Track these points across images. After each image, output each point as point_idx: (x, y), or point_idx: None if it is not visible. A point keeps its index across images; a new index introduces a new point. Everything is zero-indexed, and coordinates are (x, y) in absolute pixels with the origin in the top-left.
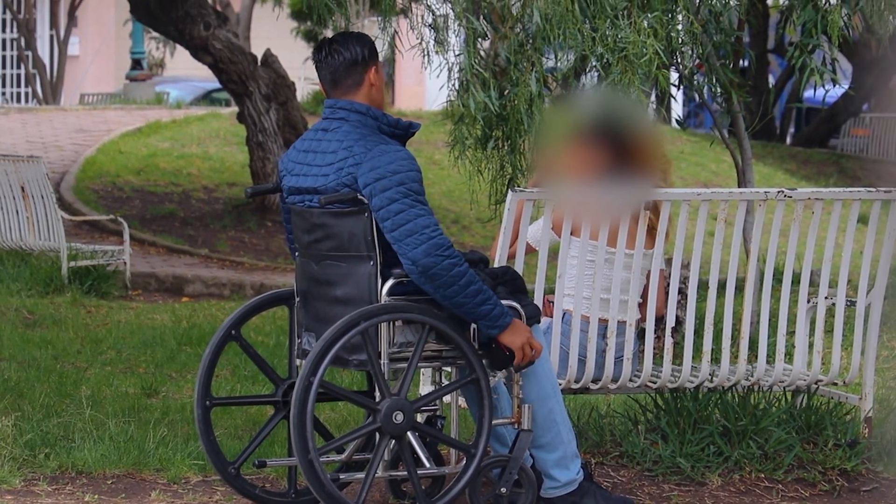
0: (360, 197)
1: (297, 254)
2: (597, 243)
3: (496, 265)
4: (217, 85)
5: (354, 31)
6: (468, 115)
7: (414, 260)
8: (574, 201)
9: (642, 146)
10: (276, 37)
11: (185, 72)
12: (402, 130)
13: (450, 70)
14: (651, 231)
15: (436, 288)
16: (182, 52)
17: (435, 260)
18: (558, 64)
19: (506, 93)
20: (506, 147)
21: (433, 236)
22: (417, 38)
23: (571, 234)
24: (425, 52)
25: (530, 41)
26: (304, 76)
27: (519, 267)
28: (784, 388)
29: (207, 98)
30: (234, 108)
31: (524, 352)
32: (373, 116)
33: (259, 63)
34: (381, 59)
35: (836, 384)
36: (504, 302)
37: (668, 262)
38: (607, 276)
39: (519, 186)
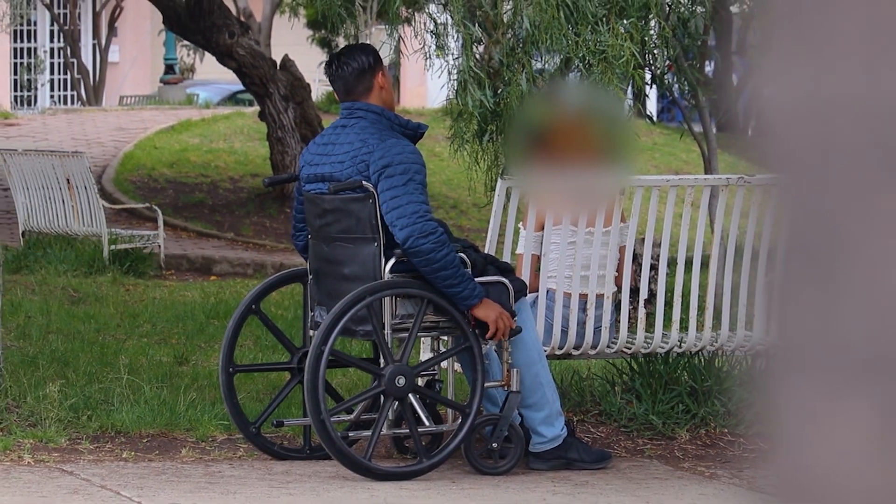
0: (365, 185)
1: (306, 236)
2: (577, 229)
3: (487, 244)
4: (241, 87)
5: (358, 43)
6: (466, 111)
7: (400, 239)
8: (555, 191)
9: (558, 136)
10: (293, 44)
11: (213, 75)
12: (411, 131)
13: (449, 71)
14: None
15: (416, 265)
16: (210, 58)
17: (415, 243)
18: (546, 65)
19: (499, 91)
20: (499, 140)
21: (418, 222)
22: (420, 43)
23: (553, 223)
24: (427, 56)
25: (521, 45)
26: (318, 78)
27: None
28: (745, 352)
29: (233, 99)
30: (256, 108)
31: (497, 325)
32: (387, 117)
33: (278, 67)
34: (385, 62)
35: None
36: (493, 278)
37: (642, 241)
38: (586, 255)
39: (510, 176)
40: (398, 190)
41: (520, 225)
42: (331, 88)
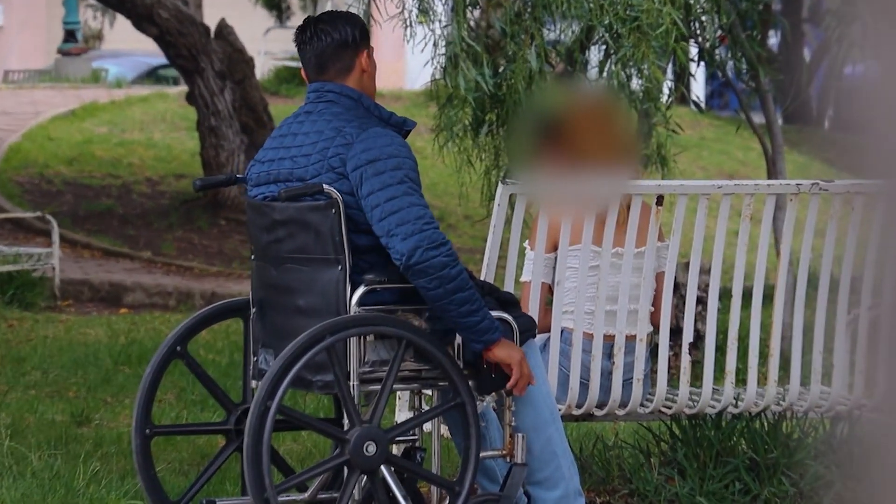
0: (327, 189)
1: (253, 257)
2: (600, 249)
3: (484, 269)
4: (163, 60)
5: (343, 11)
6: (457, 95)
7: (402, 252)
8: (571, 198)
9: (577, 128)
10: (232, 5)
11: (127, 45)
12: (395, 127)
13: (435, 43)
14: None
15: (422, 288)
16: (123, 23)
17: (425, 255)
18: (561, 36)
19: (501, 70)
20: (501, 133)
21: (426, 229)
22: (397, 6)
23: (570, 242)
24: (407, 23)
25: (529, 9)
26: (264, 50)
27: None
28: (822, 414)
29: (152, 76)
30: (184, 88)
31: (521, 370)
32: (365, 105)
33: (212, 35)
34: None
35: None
36: (493, 314)
37: (686, 266)
38: (613, 284)
39: (513, 179)
40: (394, 190)
41: (526, 244)
42: (280, 64)
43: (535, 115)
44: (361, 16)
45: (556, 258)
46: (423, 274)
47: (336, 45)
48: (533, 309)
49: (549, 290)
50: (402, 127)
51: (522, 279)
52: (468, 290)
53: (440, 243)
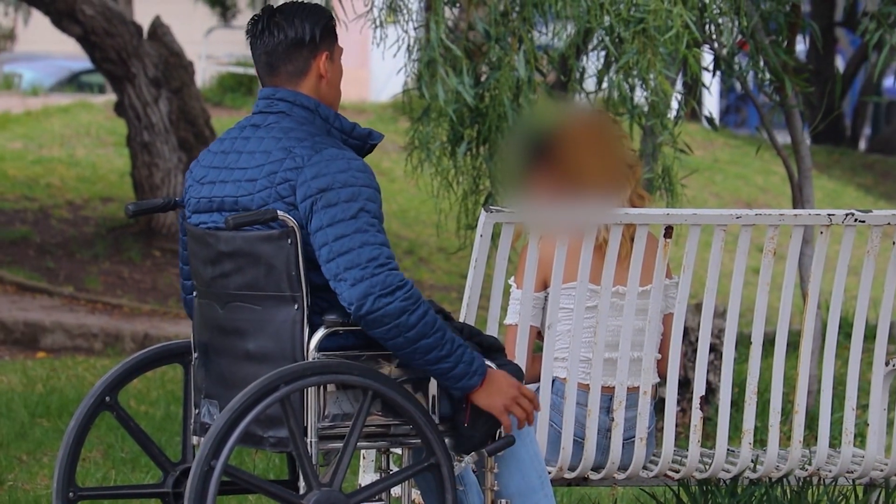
0: (282, 217)
1: (193, 294)
2: (598, 287)
3: (464, 310)
4: (87, 64)
5: (309, 3)
6: (434, 108)
7: (351, 301)
8: (565, 229)
9: (571, 147)
10: (168, 0)
11: (44, 46)
12: (357, 140)
13: (408, 47)
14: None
15: (380, 338)
16: (40, 20)
17: (377, 303)
18: (554, 40)
19: (484, 79)
20: (483, 153)
21: (377, 273)
22: (366, 3)
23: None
24: (376, 23)
25: (517, 8)
26: (205, 54)
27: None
28: (854, 480)
29: (74, 82)
30: (112, 97)
31: (517, 410)
32: (322, 116)
33: (145, 36)
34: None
35: None
36: None
37: (697, 308)
38: (613, 328)
39: (497, 205)
40: (344, 226)
41: (511, 281)
42: (224, 70)
43: (527, 132)
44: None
45: (546, 298)
46: (378, 324)
47: (288, 43)
48: (520, 356)
49: (538, 335)
50: (367, 140)
51: (507, 322)
52: (434, 334)
53: (395, 287)
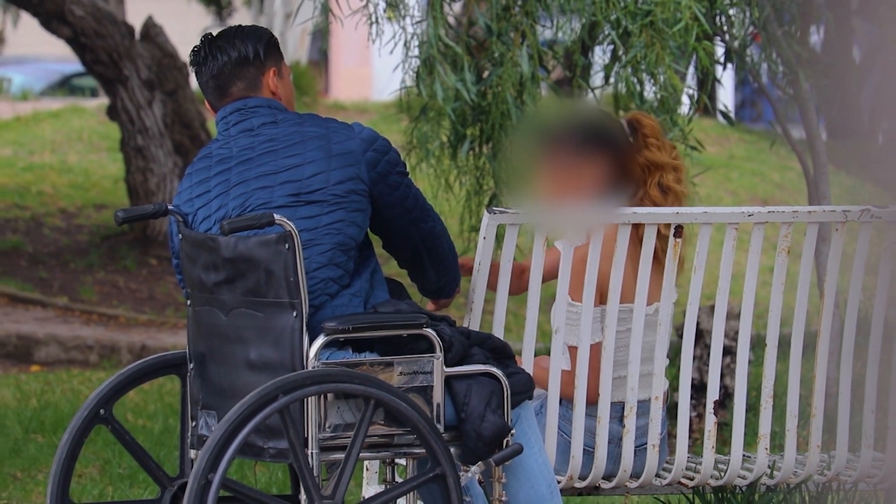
0: (279, 220)
1: (189, 302)
2: (605, 307)
3: (467, 315)
4: (78, 67)
5: (247, 25)
6: (433, 106)
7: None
8: (572, 233)
9: (577, 146)
10: (161, 0)
11: (34, 49)
12: None
13: (406, 43)
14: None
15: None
16: (29, 22)
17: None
18: (558, 35)
19: (486, 75)
20: (485, 152)
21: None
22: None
23: (570, 295)
24: (373, 19)
25: (519, 2)
26: None
27: None
28: (874, 485)
29: (66, 86)
30: (104, 100)
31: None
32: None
33: (138, 37)
34: (309, 27)
35: None
36: (483, 367)
37: (710, 310)
38: (622, 347)
39: (500, 206)
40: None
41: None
42: None
43: (531, 131)
44: (318, 10)
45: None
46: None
47: (234, 63)
48: (527, 363)
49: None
50: None
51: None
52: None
53: None
